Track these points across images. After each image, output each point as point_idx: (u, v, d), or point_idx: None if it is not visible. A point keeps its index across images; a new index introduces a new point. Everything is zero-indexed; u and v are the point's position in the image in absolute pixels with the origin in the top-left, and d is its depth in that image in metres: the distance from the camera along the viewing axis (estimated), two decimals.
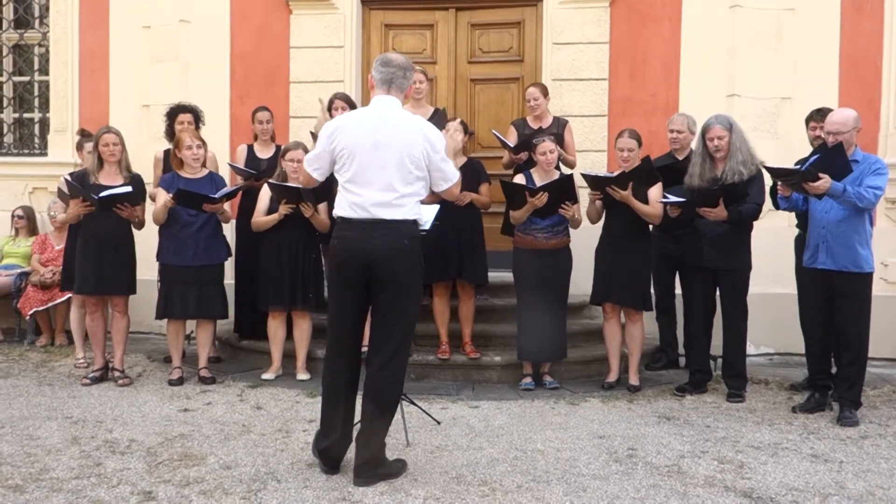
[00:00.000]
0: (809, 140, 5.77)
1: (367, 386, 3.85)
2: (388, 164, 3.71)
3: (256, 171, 6.31)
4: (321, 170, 3.91)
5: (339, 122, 3.87)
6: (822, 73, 6.89)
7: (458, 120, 6.07)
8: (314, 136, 5.76)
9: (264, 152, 6.48)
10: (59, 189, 6.53)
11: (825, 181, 4.71)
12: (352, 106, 5.95)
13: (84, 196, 5.56)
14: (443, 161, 3.87)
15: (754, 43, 6.90)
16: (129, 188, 5.60)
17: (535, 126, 6.31)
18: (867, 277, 4.97)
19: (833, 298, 5.01)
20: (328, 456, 3.92)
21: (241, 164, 6.38)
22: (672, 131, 6.05)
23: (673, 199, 5.40)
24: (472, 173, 5.87)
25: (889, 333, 6.57)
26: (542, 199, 5.41)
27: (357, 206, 3.75)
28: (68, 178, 5.84)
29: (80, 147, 6.70)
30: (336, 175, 3.86)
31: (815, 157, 5.01)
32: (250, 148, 6.53)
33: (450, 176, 3.93)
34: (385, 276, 3.76)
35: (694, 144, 5.94)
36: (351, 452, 3.92)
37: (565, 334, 5.80)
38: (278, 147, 6.43)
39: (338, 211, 3.84)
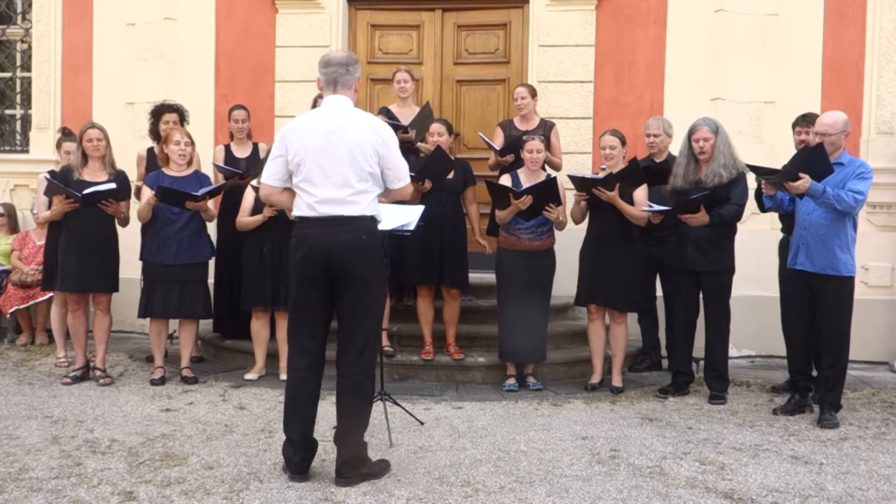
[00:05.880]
0: (795, 144, 5.80)
1: (340, 386, 3.84)
2: (340, 162, 3.71)
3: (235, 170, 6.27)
4: (277, 175, 3.85)
5: (290, 126, 3.86)
6: (806, 77, 6.94)
7: (442, 120, 6.08)
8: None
9: (241, 151, 6.44)
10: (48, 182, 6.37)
11: (805, 181, 4.74)
12: None
13: (66, 193, 5.52)
14: (395, 158, 3.84)
15: (738, 47, 6.95)
16: (113, 185, 5.56)
17: (522, 128, 6.32)
18: (847, 281, 4.96)
19: (815, 301, 5.05)
20: (293, 463, 3.87)
21: (220, 165, 6.34)
22: (649, 136, 6.10)
23: (657, 207, 5.43)
24: (461, 174, 5.90)
25: (870, 336, 6.63)
26: (527, 201, 5.42)
27: (313, 204, 3.75)
28: (48, 176, 5.76)
29: (59, 145, 6.62)
30: (293, 177, 3.83)
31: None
32: (227, 147, 6.48)
33: (402, 174, 3.89)
34: (346, 272, 3.74)
35: (672, 147, 5.99)
36: (327, 455, 3.91)
37: (545, 336, 5.81)
38: (255, 145, 6.45)
39: (296, 211, 3.85)
